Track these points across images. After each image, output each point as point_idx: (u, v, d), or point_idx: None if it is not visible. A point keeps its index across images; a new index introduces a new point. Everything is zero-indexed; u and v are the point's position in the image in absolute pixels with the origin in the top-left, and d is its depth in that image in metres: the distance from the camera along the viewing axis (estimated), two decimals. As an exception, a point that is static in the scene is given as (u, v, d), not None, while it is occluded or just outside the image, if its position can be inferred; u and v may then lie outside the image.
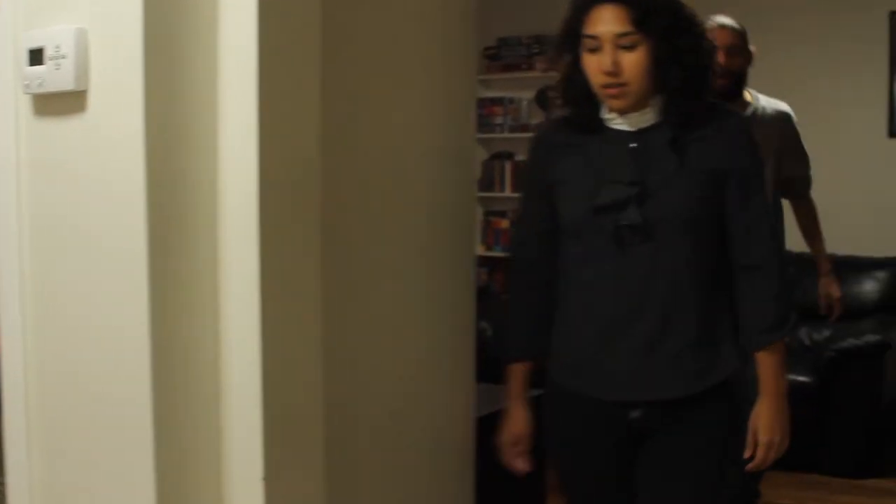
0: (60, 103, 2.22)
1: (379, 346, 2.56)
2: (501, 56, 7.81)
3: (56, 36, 2.17)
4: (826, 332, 5.76)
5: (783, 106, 4.35)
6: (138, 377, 2.15)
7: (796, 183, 4.42)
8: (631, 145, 2.51)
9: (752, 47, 4.21)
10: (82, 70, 2.16)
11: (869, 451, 5.44)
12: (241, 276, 2.18)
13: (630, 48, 2.42)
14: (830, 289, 4.55)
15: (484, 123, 7.75)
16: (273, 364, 2.19)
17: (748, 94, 4.26)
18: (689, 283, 2.50)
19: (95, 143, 2.18)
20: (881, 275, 6.00)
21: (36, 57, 2.20)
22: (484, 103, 7.78)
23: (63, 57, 2.16)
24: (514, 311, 2.74)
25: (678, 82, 2.45)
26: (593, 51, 2.45)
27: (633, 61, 2.42)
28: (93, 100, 2.17)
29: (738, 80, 4.17)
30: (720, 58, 3.92)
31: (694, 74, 2.47)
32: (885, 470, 5.42)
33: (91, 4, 2.16)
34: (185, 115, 2.16)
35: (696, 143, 2.49)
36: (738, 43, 4.14)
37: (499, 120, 7.84)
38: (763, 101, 4.30)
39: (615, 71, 2.42)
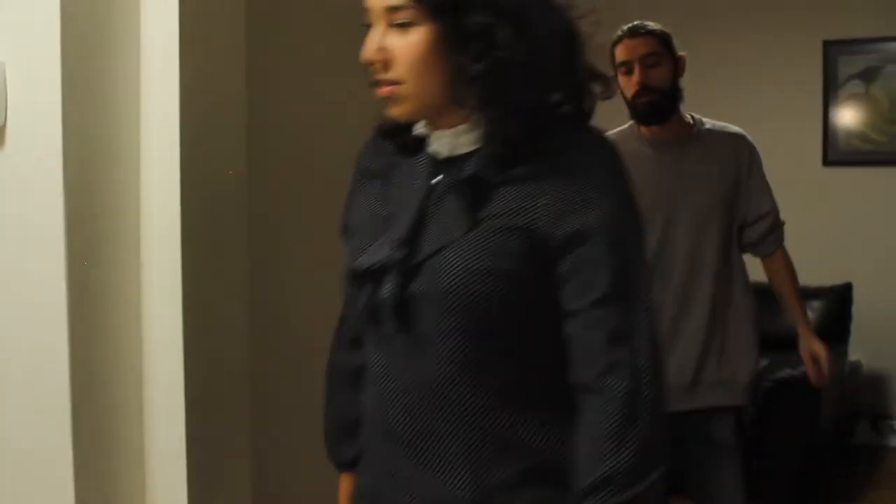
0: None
1: (305, 367, 2.52)
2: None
3: (-29, 69, 2.09)
4: (763, 362, 5.76)
5: (737, 129, 3.50)
6: (58, 422, 2.08)
7: (761, 223, 3.47)
8: (433, 181, 1.67)
9: (681, 53, 3.39)
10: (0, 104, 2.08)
11: (807, 481, 5.43)
12: (164, 319, 2.11)
13: (403, 28, 1.59)
14: (814, 346, 3.53)
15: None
16: (198, 405, 2.14)
17: (687, 116, 3.44)
18: (474, 399, 1.60)
19: (14, 178, 2.11)
20: (817, 304, 6.00)
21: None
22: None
23: (-21, 91, 2.08)
24: (325, 413, 1.94)
25: (469, 86, 1.60)
26: (369, 28, 1.65)
27: (403, 48, 1.59)
28: (11, 134, 2.09)
29: (668, 97, 3.35)
30: (635, 72, 3.28)
31: (505, 75, 1.58)
32: (824, 500, 5.42)
33: (9, 37, 2.08)
34: (105, 151, 2.10)
35: (516, 187, 1.60)
36: (658, 49, 3.32)
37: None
38: (710, 124, 3.46)
39: (380, 59, 1.61)
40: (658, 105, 3.34)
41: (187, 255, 2.11)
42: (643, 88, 3.31)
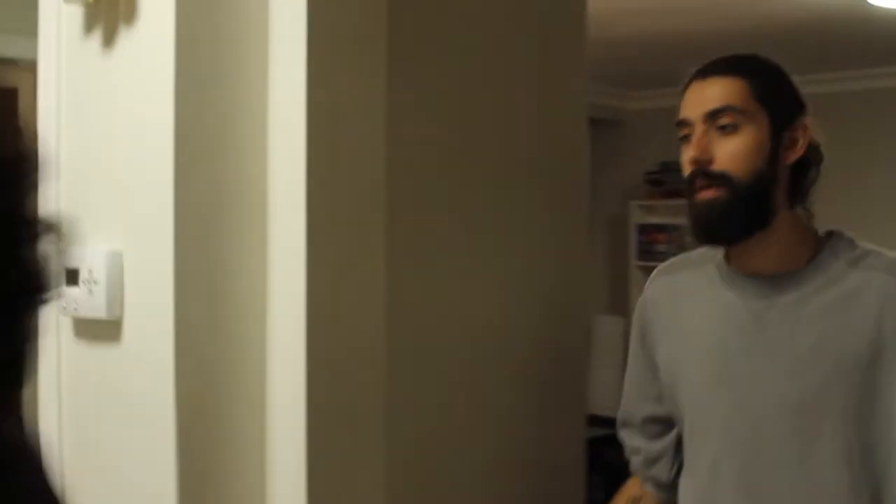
0: (96, 329, 2.01)
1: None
2: (664, 181, 7.50)
3: (89, 258, 1.96)
4: None
5: None
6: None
7: None
8: None
9: (805, 119, 1.82)
10: (116, 297, 1.94)
11: None
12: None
13: None
14: None
15: (646, 250, 7.49)
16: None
17: (808, 231, 1.85)
18: None
19: (129, 375, 1.96)
20: None
21: (72, 277, 2.00)
22: (647, 230, 7.52)
23: (95, 282, 1.94)
24: None
25: None
26: None
27: None
28: (127, 330, 1.95)
29: (746, 196, 1.76)
30: (694, 140, 1.80)
31: None
32: None
33: (126, 226, 1.95)
34: (224, 352, 1.93)
35: None
36: (740, 103, 1.78)
37: (662, 247, 7.51)
38: (860, 251, 1.80)
39: None
40: (721, 207, 1.77)
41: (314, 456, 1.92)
42: (698, 172, 1.79)
